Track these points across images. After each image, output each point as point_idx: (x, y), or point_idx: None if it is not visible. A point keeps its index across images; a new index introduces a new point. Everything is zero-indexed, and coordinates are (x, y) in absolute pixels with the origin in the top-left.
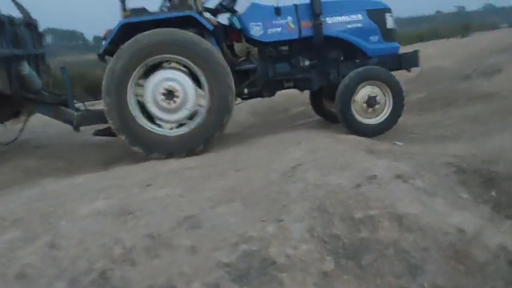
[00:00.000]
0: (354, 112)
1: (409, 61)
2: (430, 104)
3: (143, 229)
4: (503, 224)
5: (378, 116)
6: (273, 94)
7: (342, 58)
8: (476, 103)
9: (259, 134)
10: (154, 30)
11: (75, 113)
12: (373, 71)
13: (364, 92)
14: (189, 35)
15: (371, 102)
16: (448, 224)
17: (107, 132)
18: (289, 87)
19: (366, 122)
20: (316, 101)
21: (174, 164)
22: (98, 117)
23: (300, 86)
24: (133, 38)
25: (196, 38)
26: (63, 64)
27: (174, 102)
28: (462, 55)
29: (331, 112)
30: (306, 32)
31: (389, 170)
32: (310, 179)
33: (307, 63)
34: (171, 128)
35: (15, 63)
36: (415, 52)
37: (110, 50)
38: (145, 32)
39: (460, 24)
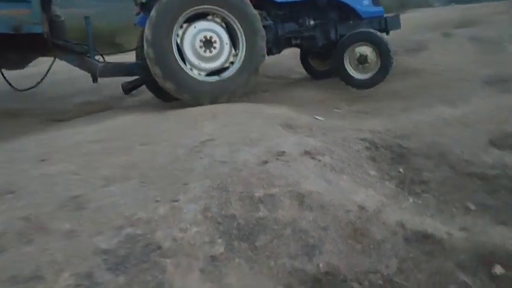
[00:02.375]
0: (347, 68)
1: (393, 24)
2: None
3: (20, 211)
4: (406, 200)
5: (368, 72)
6: (280, 51)
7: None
8: (400, 79)
9: (178, 106)
10: None
11: (98, 65)
12: (366, 33)
13: (357, 51)
14: None
15: (362, 60)
16: (350, 201)
17: (136, 84)
18: (296, 45)
19: (358, 77)
20: (305, 60)
21: (77, 137)
22: (119, 69)
23: (305, 43)
24: None
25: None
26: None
27: (211, 51)
28: (393, 32)
29: (316, 70)
30: None
31: (299, 146)
32: (217, 155)
33: (312, 22)
34: (200, 74)
35: (48, 6)
36: (397, 16)
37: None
38: None
39: (397, 1)
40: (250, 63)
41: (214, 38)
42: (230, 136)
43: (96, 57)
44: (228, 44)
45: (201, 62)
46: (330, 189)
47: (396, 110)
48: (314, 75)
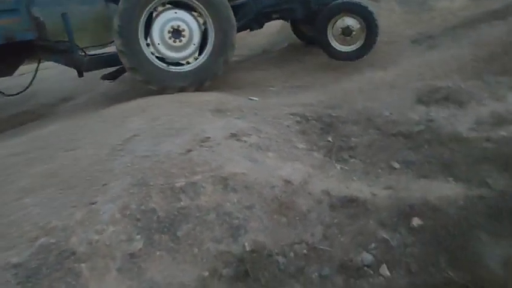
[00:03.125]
0: (331, 40)
1: None
2: (290, 55)
3: None
4: (333, 168)
5: (352, 44)
6: (261, 26)
7: None
8: None
9: (110, 105)
10: None
11: (84, 59)
12: (350, 4)
13: (341, 22)
14: None
15: (346, 31)
16: (276, 177)
17: (114, 75)
18: (276, 18)
19: (343, 50)
20: (296, 27)
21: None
22: (105, 61)
23: (285, 16)
24: None
25: None
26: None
27: (180, 41)
28: None
29: (308, 36)
30: None
31: (225, 130)
32: (139, 150)
33: None
34: (168, 64)
35: (32, 9)
36: None
37: None
38: None
39: None
40: (220, 53)
41: (183, 27)
42: (156, 129)
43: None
44: (198, 34)
45: (169, 52)
46: (255, 168)
47: (328, 80)
48: (306, 40)
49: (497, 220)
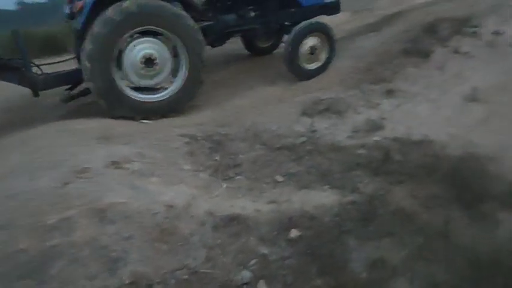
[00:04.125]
0: (300, 60)
1: (333, 8)
2: None
3: None
4: (219, 187)
5: (317, 61)
6: (222, 44)
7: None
8: (223, 67)
9: None
10: (142, 0)
11: (39, 77)
12: (316, 25)
13: (309, 42)
14: (174, 9)
15: (312, 51)
16: (158, 203)
17: (79, 96)
18: (238, 36)
19: (308, 68)
20: (248, 41)
21: None
22: (61, 79)
23: (247, 35)
24: (120, 7)
25: (180, 12)
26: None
27: (154, 69)
28: None
29: (259, 47)
30: None
31: (106, 158)
32: (9, 189)
33: (252, 14)
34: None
35: None
36: (337, 1)
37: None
38: (134, 2)
39: None
40: (193, 78)
41: (155, 55)
42: (34, 163)
43: (34, 70)
44: (170, 61)
45: (140, 80)
46: (136, 196)
47: (222, 98)
48: (256, 52)
49: (365, 224)
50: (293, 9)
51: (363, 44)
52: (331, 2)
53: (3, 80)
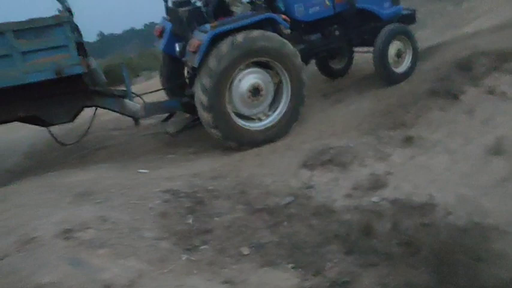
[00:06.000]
0: (389, 63)
1: (410, 19)
2: None
3: None
4: (177, 260)
5: (403, 64)
6: (306, 64)
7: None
8: None
9: None
10: (251, 34)
11: (139, 105)
12: (399, 29)
13: (395, 46)
14: (280, 38)
15: (399, 53)
16: (96, 281)
17: (186, 127)
18: (323, 56)
19: (397, 71)
20: (322, 63)
21: None
22: (159, 108)
23: (331, 53)
24: (232, 42)
25: (284, 40)
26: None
27: (258, 99)
28: None
29: (334, 69)
30: (339, 7)
31: (61, 225)
32: None
33: (337, 33)
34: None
35: (84, 52)
36: (413, 11)
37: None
38: (244, 36)
39: None
40: (294, 108)
41: (261, 85)
42: None
43: (135, 99)
44: (272, 88)
45: (247, 109)
46: (72, 274)
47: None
48: (330, 73)
49: None
50: (373, 24)
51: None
52: (408, 14)
53: (104, 106)
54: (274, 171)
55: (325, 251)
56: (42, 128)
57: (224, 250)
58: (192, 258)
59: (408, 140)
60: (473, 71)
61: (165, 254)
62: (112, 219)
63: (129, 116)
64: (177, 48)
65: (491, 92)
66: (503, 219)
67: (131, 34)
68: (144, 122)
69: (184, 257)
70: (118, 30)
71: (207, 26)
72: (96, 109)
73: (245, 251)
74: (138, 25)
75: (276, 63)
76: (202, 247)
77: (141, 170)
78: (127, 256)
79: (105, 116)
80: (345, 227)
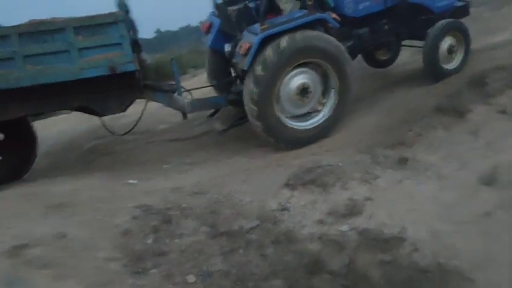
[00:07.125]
0: (440, 60)
1: (462, 11)
2: (199, 128)
3: None
4: (121, 284)
5: (452, 62)
6: (354, 59)
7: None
8: None
9: None
10: (300, 35)
11: (186, 101)
12: (453, 24)
13: (448, 41)
14: (325, 36)
15: (451, 50)
16: None
17: (233, 125)
18: (371, 50)
19: (446, 68)
20: (368, 54)
21: None
22: (206, 104)
23: (380, 47)
24: (278, 48)
25: (331, 38)
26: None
27: (307, 98)
28: None
29: (379, 60)
30: (390, 1)
31: (14, 240)
32: None
33: (386, 27)
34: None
35: (138, 49)
36: (467, 3)
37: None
38: (294, 38)
39: None
40: (340, 108)
41: (309, 85)
42: None
43: (184, 94)
44: (320, 85)
45: (296, 109)
46: None
47: (225, 156)
48: (376, 64)
49: None
50: (425, 17)
51: (399, 94)
52: (461, 6)
53: (154, 100)
54: (256, 189)
55: (268, 286)
56: (69, 127)
57: (171, 276)
58: (138, 283)
59: (402, 162)
60: (486, 87)
61: (110, 278)
62: (70, 236)
63: (177, 110)
64: (226, 49)
65: (502, 111)
66: (468, 262)
67: (187, 31)
68: (161, 127)
69: (130, 281)
70: (175, 27)
71: (257, 27)
72: (146, 102)
73: (191, 279)
74: (194, 22)
75: (321, 60)
76: (152, 271)
77: (130, 181)
78: (70, 277)
79: (120, 120)
80: (298, 260)
